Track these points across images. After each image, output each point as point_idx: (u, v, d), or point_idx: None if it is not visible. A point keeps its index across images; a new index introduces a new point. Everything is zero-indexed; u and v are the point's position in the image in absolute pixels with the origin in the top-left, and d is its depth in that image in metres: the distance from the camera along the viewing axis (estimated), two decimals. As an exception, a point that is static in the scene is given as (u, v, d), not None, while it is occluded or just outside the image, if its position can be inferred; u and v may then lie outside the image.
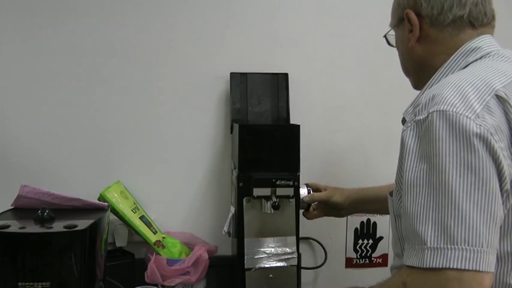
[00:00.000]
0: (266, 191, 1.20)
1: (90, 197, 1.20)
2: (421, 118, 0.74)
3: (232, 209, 1.30)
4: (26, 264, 0.96)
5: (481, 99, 0.73)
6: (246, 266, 1.21)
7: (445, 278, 0.67)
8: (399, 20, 0.94)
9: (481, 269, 0.66)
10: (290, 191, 1.20)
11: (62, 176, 1.38)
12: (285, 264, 1.22)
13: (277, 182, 1.19)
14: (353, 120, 1.53)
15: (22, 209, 1.11)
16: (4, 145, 1.37)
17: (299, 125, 1.26)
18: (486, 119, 0.71)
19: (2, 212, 1.10)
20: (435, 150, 0.71)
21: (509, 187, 0.71)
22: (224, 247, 1.43)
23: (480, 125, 0.70)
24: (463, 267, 0.66)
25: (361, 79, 1.52)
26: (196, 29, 1.44)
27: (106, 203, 1.20)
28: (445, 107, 0.72)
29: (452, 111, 0.71)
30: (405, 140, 0.77)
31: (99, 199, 1.28)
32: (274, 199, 1.19)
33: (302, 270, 1.45)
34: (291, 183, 1.20)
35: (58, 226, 0.99)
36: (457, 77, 0.79)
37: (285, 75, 1.45)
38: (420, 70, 0.93)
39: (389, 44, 1.04)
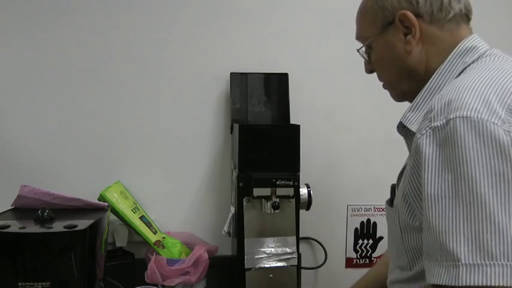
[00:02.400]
0: (266, 191, 1.20)
1: (90, 197, 1.20)
2: (439, 124, 0.69)
3: (232, 209, 1.30)
4: (26, 264, 0.96)
5: (502, 102, 0.69)
6: (246, 266, 1.21)
7: None
8: (384, 25, 0.87)
9: None
10: (290, 191, 1.20)
11: (62, 176, 1.39)
12: (285, 264, 1.22)
13: (277, 182, 1.19)
14: (353, 120, 1.53)
15: (22, 209, 1.11)
16: (4, 145, 1.37)
17: (299, 125, 1.26)
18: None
19: (2, 212, 1.10)
20: (462, 159, 0.66)
21: None
22: (224, 247, 1.43)
23: (509, 131, 0.66)
24: (506, 285, 0.61)
25: (362, 79, 1.51)
26: (196, 29, 1.44)
27: (106, 203, 1.20)
28: (468, 112, 0.67)
29: (477, 117, 0.66)
30: (422, 149, 0.71)
31: (99, 199, 1.28)
32: (274, 199, 1.19)
33: (302, 270, 1.45)
34: (291, 183, 1.20)
35: (58, 226, 0.99)
36: (470, 79, 0.74)
37: (285, 75, 1.45)
38: (412, 77, 0.87)
39: (364, 57, 0.96)
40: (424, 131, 0.71)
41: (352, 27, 1.58)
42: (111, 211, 1.26)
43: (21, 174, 1.36)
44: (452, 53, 0.84)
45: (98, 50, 1.40)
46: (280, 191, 1.19)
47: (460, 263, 0.63)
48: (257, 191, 1.19)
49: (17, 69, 1.37)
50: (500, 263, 0.62)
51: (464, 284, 0.63)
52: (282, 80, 1.45)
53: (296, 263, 1.23)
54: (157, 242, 1.34)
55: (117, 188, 1.36)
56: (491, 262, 0.62)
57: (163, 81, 1.43)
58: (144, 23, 1.41)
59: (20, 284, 0.94)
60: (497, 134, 0.65)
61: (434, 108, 0.72)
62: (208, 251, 1.34)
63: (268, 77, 1.45)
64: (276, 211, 1.19)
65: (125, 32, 1.41)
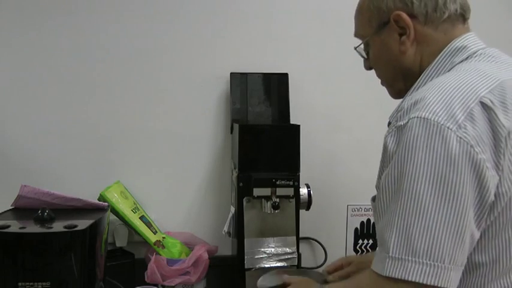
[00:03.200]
0: (266, 191, 1.20)
1: (90, 197, 1.20)
2: (402, 124, 0.72)
3: (232, 209, 1.30)
4: (26, 264, 0.96)
5: (464, 106, 0.70)
6: (246, 266, 1.21)
7: None
8: (380, 25, 0.87)
9: (439, 285, 0.67)
10: (290, 191, 1.20)
11: (62, 176, 1.38)
12: (285, 264, 1.22)
13: (277, 182, 1.19)
14: (353, 120, 1.53)
15: (22, 209, 1.11)
16: (4, 145, 1.37)
17: (299, 125, 1.26)
18: (468, 130, 0.68)
19: (2, 212, 1.10)
20: (410, 157, 0.69)
21: (493, 198, 0.70)
22: (224, 247, 1.43)
23: (461, 138, 0.68)
24: (422, 282, 0.67)
25: (361, 79, 1.51)
26: (196, 29, 1.44)
27: (106, 203, 1.20)
28: (427, 114, 0.70)
29: (433, 120, 0.69)
30: (387, 146, 0.75)
31: (99, 199, 1.28)
32: (274, 199, 1.19)
33: (302, 270, 1.45)
34: (291, 183, 1.20)
35: (58, 226, 0.99)
36: (442, 81, 0.76)
37: (285, 75, 1.45)
38: (408, 76, 0.88)
39: (362, 56, 0.97)
40: (391, 129, 0.74)
41: (352, 28, 1.58)
42: (111, 211, 1.26)
43: (21, 174, 1.36)
44: (441, 53, 0.84)
45: (98, 51, 1.40)
46: (280, 191, 1.20)
47: (388, 255, 0.69)
48: (257, 191, 1.20)
49: (17, 69, 1.37)
50: (421, 261, 0.67)
51: (387, 275, 0.69)
52: (282, 80, 1.45)
53: (296, 263, 1.23)
54: (157, 242, 1.34)
55: (117, 188, 1.36)
56: (414, 259, 0.67)
57: (163, 81, 1.43)
58: (144, 23, 1.41)
59: (20, 284, 0.94)
60: (448, 139, 0.68)
61: (403, 108, 0.75)
62: (208, 251, 1.34)
63: (268, 77, 1.45)
64: (276, 211, 1.19)
65: (124, 32, 1.41)
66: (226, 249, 1.43)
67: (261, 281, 1.12)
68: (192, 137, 1.45)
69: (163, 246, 1.34)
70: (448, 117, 0.69)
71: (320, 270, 1.52)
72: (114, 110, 1.41)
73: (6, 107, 1.37)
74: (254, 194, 1.20)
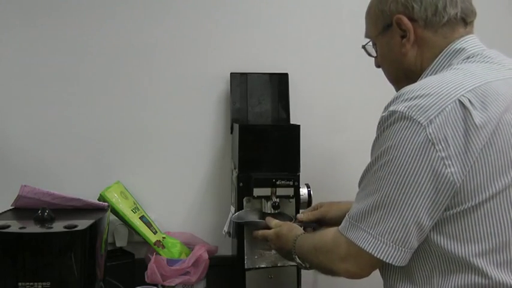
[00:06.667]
0: (266, 191, 1.20)
1: (90, 197, 1.20)
2: (383, 115, 0.80)
3: (232, 209, 1.30)
4: (26, 264, 0.96)
5: (441, 103, 0.74)
6: (246, 266, 1.21)
7: (350, 247, 0.82)
8: (384, 28, 0.91)
9: (376, 255, 0.78)
10: (290, 191, 1.20)
11: (62, 176, 1.39)
12: (285, 264, 1.22)
13: (277, 182, 1.19)
14: (353, 120, 1.53)
15: (22, 209, 1.11)
16: (4, 145, 1.37)
17: (299, 125, 1.26)
18: (436, 127, 0.73)
19: (2, 212, 1.10)
20: (380, 145, 0.79)
21: (458, 191, 0.74)
22: (224, 247, 1.43)
23: (426, 134, 0.73)
24: (364, 248, 0.79)
25: (361, 79, 1.52)
26: (196, 29, 1.44)
27: (106, 203, 1.20)
28: (402, 107, 0.76)
29: (407, 114, 0.75)
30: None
31: (99, 199, 1.28)
32: (274, 199, 1.19)
33: (302, 270, 1.44)
34: (291, 183, 1.20)
35: (58, 226, 0.99)
36: (430, 78, 0.81)
37: (285, 75, 1.45)
38: (409, 77, 0.91)
39: (369, 54, 1.01)
40: (379, 120, 0.82)
41: (352, 28, 1.58)
42: (111, 211, 1.26)
43: (21, 174, 1.36)
44: (440, 54, 0.87)
45: (98, 50, 1.40)
46: (280, 191, 1.20)
47: (350, 220, 0.83)
48: (257, 191, 1.20)
49: (16, 69, 1.37)
50: (369, 231, 0.79)
51: (344, 234, 0.83)
52: (282, 80, 1.45)
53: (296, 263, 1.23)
54: (157, 242, 1.34)
55: (117, 188, 1.36)
56: (365, 228, 0.80)
57: (164, 81, 1.43)
58: (144, 23, 1.41)
59: (20, 284, 0.94)
60: (415, 133, 0.74)
61: (389, 101, 0.81)
62: (208, 251, 1.34)
63: (268, 77, 1.44)
64: (276, 211, 1.19)
65: (125, 32, 1.41)
66: (226, 249, 1.43)
67: (238, 215, 1.20)
68: (192, 137, 1.45)
69: (163, 246, 1.34)
70: (421, 112, 0.74)
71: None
72: (114, 110, 1.41)
73: (6, 106, 1.37)
74: (254, 194, 1.20)
